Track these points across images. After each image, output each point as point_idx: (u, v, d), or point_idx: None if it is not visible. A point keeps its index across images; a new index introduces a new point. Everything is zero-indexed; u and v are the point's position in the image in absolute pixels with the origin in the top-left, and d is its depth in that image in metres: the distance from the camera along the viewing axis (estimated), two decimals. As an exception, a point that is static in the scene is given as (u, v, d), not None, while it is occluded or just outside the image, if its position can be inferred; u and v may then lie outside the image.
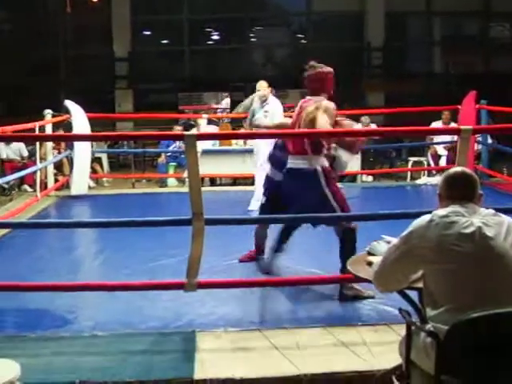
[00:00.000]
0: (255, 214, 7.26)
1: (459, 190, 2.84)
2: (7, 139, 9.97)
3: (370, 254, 3.40)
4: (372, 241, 3.53)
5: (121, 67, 17.47)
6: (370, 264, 3.20)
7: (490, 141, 10.78)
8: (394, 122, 10.09)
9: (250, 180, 11.14)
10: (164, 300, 4.94)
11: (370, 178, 11.94)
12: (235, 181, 11.71)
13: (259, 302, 4.93)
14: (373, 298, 4.87)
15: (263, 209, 5.91)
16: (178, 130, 11.42)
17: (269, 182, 5.89)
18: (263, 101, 8.14)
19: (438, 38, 19.02)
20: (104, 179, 12.38)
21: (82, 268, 6.41)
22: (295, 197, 5.06)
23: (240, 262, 6.07)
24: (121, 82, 17.42)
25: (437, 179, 10.88)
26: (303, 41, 18.88)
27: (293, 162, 5.14)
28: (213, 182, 11.77)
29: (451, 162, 11.21)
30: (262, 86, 8.25)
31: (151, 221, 5.17)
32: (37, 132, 8.95)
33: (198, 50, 18.23)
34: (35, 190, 9.74)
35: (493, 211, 2.81)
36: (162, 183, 11.98)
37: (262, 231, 5.93)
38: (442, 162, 11.79)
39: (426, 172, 11.82)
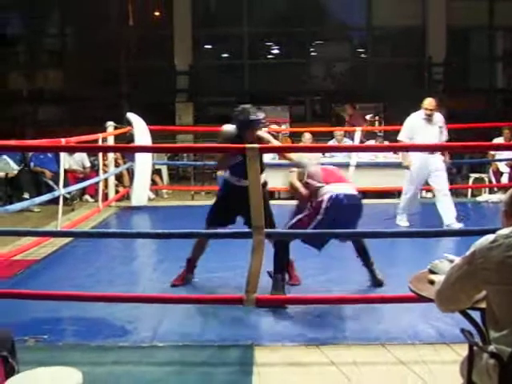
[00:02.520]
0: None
1: (526, 209, 2.79)
2: (73, 150, 10.16)
3: (431, 272, 3.36)
4: (434, 259, 3.49)
5: (181, 80, 17.67)
6: (431, 283, 3.17)
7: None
8: (455, 138, 9.95)
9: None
10: (222, 313, 4.97)
11: (430, 195, 11.79)
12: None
13: (315, 318, 4.92)
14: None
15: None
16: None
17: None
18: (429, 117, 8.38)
19: (500, 53, 18.76)
20: (164, 191, 12.50)
21: (142, 279, 6.48)
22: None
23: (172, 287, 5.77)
24: (181, 95, 17.61)
25: (498, 196, 10.70)
26: (363, 55, 18.82)
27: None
28: (272, 195, 11.77)
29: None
30: (433, 105, 8.42)
31: (212, 233, 5.21)
32: (100, 143, 9.12)
33: (258, 64, 18.32)
34: (96, 201, 9.91)
35: (558, 232, 2.75)
36: (221, 196, 12.03)
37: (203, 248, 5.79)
38: (504, 179, 11.59)
39: (487, 189, 11.63)
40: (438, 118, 8.48)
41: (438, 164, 8.46)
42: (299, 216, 5.32)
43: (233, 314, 4.90)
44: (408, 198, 8.73)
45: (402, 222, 8.61)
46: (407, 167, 8.64)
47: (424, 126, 8.36)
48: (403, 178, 10.78)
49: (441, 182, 8.54)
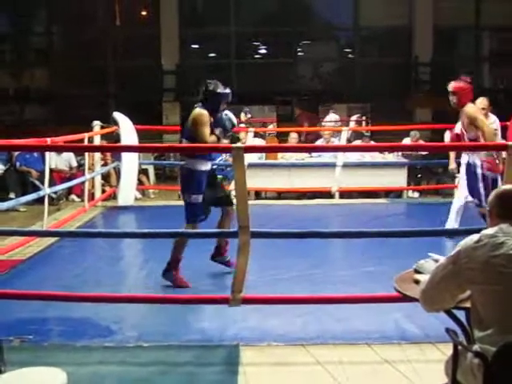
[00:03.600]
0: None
1: (510, 209, 2.80)
2: (59, 149, 10.11)
3: (417, 271, 3.37)
4: (419, 258, 3.50)
5: (168, 80, 17.65)
6: (417, 282, 3.18)
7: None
8: (441, 138, 9.98)
9: (295, 194, 11.20)
10: (208, 313, 4.97)
11: (417, 194, 11.84)
12: (280, 195, 11.70)
13: (301, 317, 4.92)
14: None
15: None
16: (225, 142, 11.43)
17: None
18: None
19: (486, 53, 18.85)
20: (150, 190, 12.48)
21: (128, 279, 6.48)
22: None
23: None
24: (168, 95, 17.60)
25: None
26: (350, 55, 18.86)
27: None
28: (258, 195, 11.78)
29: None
30: (484, 103, 7.69)
31: (198, 232, 5.21)
32: (86, 143, 9.09)
33: (245, 64, 18.33)
34: (83, 200, 9.88)
35: (543, 232, 2.77)
36: (208, 195, 12.02)
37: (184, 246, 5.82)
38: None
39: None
40: (493, 120, 7.82)
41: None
42: None
43: (219, 313, 4.89)
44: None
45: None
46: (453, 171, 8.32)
47: None
48: (390, 177, 10.86)
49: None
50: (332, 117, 14.65)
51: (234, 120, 6.04)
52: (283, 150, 11.12)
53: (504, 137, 7.82)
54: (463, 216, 7.41)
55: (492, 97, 19.02)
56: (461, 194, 7.53)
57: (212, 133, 5.76)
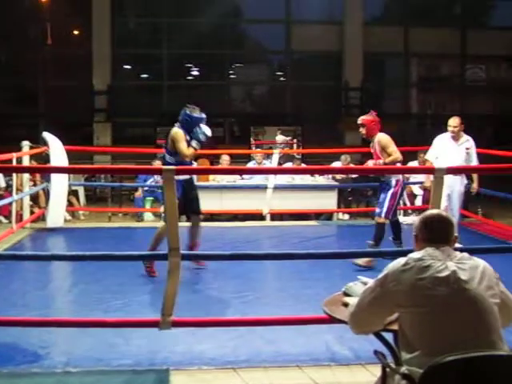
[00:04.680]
0: None
1: (435, 233, 2.87)
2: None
3: (346, 294, 3.41)
4: (349, 281, 3.54)
5: (100, 100, 17.50)
6: (345, 305, 3.21)
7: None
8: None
9: (226, 216, 11.20)
10: (138, 337, 4.90)
11: (347, 217, 11.98)
12: (211, 216, 11.66)
13: (235, 340, 4.90)
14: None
15: None
16: (157, 164, 11.42)
17: None
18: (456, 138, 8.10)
19: (414, 79, 19.33)
20: (80, 212, 12.29)
21: (56, 302, 6.33)
22: None
23: None
24: (99, 116, 17.44)
25: (412, 218, 10.94)
26: (282, 78, 19.07)
27: None
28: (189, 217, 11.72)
29: (426, 201, 11.32)
30: (456, 122, 8.09)
31: (127, 255, 5.16)
32: (14, 163, 8.92)
33: (177, 85, 18.33)
34: (10, 222, 9.67)
35: (467, 255, 2.84)
36: (139, 217, 11.95)
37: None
38: (418, 202, 11.88)
39: (401, 211, 11.89)
40: (465, 139, 8.14)
41: (456, 186, 8.08)
42: None
43: (150, 337, 4.84)
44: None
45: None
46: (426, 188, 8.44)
47: (449, 146, 8.08)
48: (320, 200, 10.97)
49: (454, 204, 8.14)
50: (280, 138, 14.79)
51: (208, 132, 6.92)
52: (214, 172, 11.12)
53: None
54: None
55: (420, 121, 19.56)
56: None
57: (189, 145, 6.76)
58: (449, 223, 2.93)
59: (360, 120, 7.51)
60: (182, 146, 6.72)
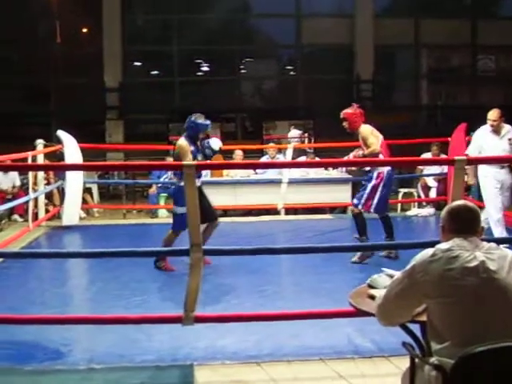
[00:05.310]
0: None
1: (462, 224, 2.85)
2: (5, 168, 9.96)
3: (370, 286, 3.40)
4: (366, 273, 3.52)
5: (112, 98, 17.52)
6: (372, 297, 3.20)
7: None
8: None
9: (240, 211, 11.20)
10: (159, 332, 4.90)
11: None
12: (226, 212, 11.66)
13: (257, 334, 4.90)
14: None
15: None
16: (170, 160, 11.39)
17: None
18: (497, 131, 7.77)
19: (425, 71, 19.25)
20: (95, 210, 12.31)
21: (74, 300, 6.36)
22: None
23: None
24: (111, 113, 17.47)
25: (427, 210, 10.93)
26: (292, 73, 19.03)
27: None
28: (225, 213, 11.71)
29: (441, 193, 11.28)
30: (495, 116, 7.78)
31: (148, 251, 5.15)
32: (29, 162, 8.94)
33: (189, 81, 18.33)
34: (26, 220, 9.70)
35: (495, 245, 2.82)
36: (153, 214, 11.97)
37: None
38: (432, 194, 11.83)
39: (416, 203, 11.86)
40: (507, 130, 7.81)
41: (508, 180, 7.80)
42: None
43: (172, 333, 4.84)
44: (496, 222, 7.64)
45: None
46: (470, 185, 8.38)
47: (491, 139, 7.74)
48: (334, 193, 10.95)
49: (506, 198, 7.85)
50: (294, 132, 14.77)
51: (215, 146, 6.96)
52: (230, 167, 11.11)
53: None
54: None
55: (430, 113, 19.50)
56: (492, 207, 7.67)
57: (195, 159, 6.64)
58: (476, 214, 2.91)
59: (342, 114, 7.52)
60: (187, 160, 6.50)
